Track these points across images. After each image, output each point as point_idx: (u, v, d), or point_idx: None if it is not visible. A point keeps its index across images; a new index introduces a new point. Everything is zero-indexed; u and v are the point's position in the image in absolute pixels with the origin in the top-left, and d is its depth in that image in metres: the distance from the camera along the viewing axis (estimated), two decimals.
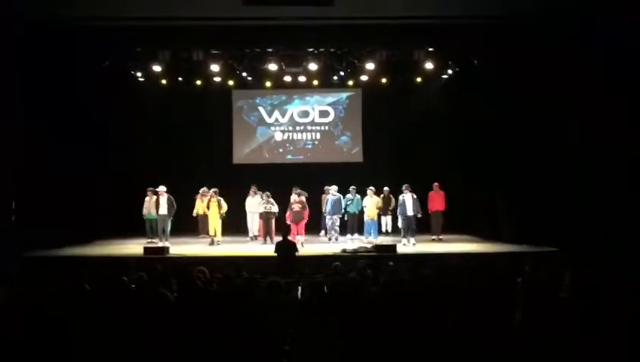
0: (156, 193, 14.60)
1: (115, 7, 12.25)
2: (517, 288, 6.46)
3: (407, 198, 14.67)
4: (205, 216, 15.19)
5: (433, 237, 15.44)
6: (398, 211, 14.92)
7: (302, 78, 16.82)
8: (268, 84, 17.29)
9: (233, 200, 15.49)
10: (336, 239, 15.12)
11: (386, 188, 15.86)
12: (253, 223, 15.67)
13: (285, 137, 18.47)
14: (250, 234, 15.70)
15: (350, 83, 17.44)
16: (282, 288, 6.60)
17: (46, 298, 5.90)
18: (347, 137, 18.51)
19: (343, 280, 7.14)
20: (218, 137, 18.04)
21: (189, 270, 7.83)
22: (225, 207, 14.83)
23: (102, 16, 12.58)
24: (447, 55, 15.47)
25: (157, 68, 15.30)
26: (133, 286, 7.26)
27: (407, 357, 4.51)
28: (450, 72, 16.58)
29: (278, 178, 16.60)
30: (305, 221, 14.81)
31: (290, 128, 18.47)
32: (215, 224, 14.70)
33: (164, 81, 16.68)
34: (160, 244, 13.90)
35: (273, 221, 15.00)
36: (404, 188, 14.78)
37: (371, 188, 15.29)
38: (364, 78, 16.60)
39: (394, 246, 12.83)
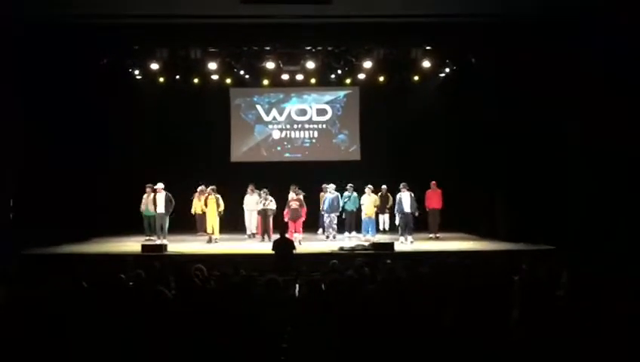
0: (154, 190, 14.61)
1: (113, 5, 12.23)
2: (514, 286, 6.47)
3: (405, 196, 14.69)
4: (203, 214, 15.21)
5: (431, 235, 15.49)
6: (395, 209, 14.94)
7: (299, 77, 16.82)
8: (265, 82, 17.28)
9: (231, 198, 15.51)
10: (334, 237, 15.14)
11: (383, 187, 15.86)
12: (251, 221, 15.69)
13: (283, 135, 18.47)
14: (248, 232, 15.72)
15: (348, 81, 17.44)
16: (280, 286, 6.60)
17: (44, 295, 5.89)
18: (345, 135, 18.51)
19: (340, 278, 7.13)
20: (216, 135, 18.04)
21: (187, 267, 7.83)
22: (222, 205, 14.83)
23: (100, 14, 12.56)
24: (444, 53, 15.50)
25: (155, 66, 15.28)
26: (130, 283, 7.26)
27: (405, 354, 4.52)
28: (447, 70, 16.61)
29: (275, 176, 16.61)
30: (302, 219, 14.85)
31: (288, 126, 18.47)
32: (213, 222, 14.70)
33: (161, 79, 16.67)
34: (158, 242, 13.91)
35: (271, 218, 15.01)
36: (401, 186, 14.81)
37: (369, 186, 15.30)
38: (361, 76, 16.62)
39: (391, 244, 12.84)
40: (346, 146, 18.50)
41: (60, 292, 6.10)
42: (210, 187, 14.99)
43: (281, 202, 15.12)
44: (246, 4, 11.82)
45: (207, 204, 14.80)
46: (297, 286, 8.17)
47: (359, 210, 15.38)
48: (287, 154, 18.44)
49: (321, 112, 18.50)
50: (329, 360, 4.81)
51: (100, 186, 15.90)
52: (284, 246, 11.41)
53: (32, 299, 5.73)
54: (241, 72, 16.34)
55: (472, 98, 15.70)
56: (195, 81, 16.80)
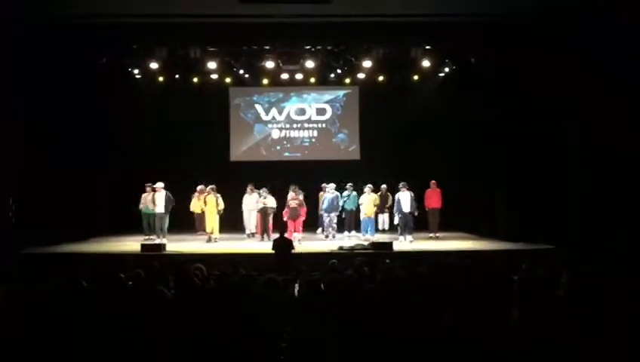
0: (154, 189, 14.61)
1: (112, 5, 12.22)
2: (513, 286, 6.47)
3: (404, 196, 14.68)
4: (202, 214, 15.20)
5: (430, 234, 15.49)
6: (394, 209, 14.94)
7: (299, 76, 16.83)
8: (265, 81, 17.30)
9: (230, 198, 15.49)
10: (334, 236, 15.14)
11: (383, 186, 15.87)
12: (250, 221, 15.68)
13: (282, 135, 18.47)
14: (248, 232, 15.71)
15: (347, 81, 17.45)
16: (279, 285, 6.60)
17: (43, 295, 5.89)
18: (344, 135, 18.51)
19: (339, 278, 7.13)
20: (215, 135, 18.04)
21: (187, 267, 7.82)
22: (222, 204, 14.82)
23: (99, 13, 12.54)
24: (444, 53, 15.50)
25: (154, 65, 15.27)
26: (130, 283, 7.24)
27: (404, 354, 4.51)
28: (447, 70, 16.61)
29: (275, 175, 16.60)
30: (302, 218, 14.84)
31: (288, 126, 18.47)
32: (212, 221, 14.69)
33: (161, 79, 16.69)
34: (157, 241, 13.90)
35: (271, 217, 15.00)
36: (401, 185, 14.81)
37: (369, 185, 15.29)
38: (361, 75, 16.62)
39: (390, 244, 12.83)
40: (346, 146, 18.50)
41: (60, 292, 6.09)
42: (210, 186, 14.97)
43: (281, 202, 15.11)
44: (245, 3, 11.81)
45: (207, 203, 14.79)
46: (297, 285, 8.16)
47: (358, 209, 15.37)
48: (286, 154, 18.44)
49: (320, 112, 18.50)
50: (328, 360, 4.81)
51: (100, 186, 15.89)
52: (283, 245, 11.40)
53: (32, 298, 5.72)
54: (241, 72, 16.34)
55: (472, 98, 15.69)
56: (195, 80, 16.81)
